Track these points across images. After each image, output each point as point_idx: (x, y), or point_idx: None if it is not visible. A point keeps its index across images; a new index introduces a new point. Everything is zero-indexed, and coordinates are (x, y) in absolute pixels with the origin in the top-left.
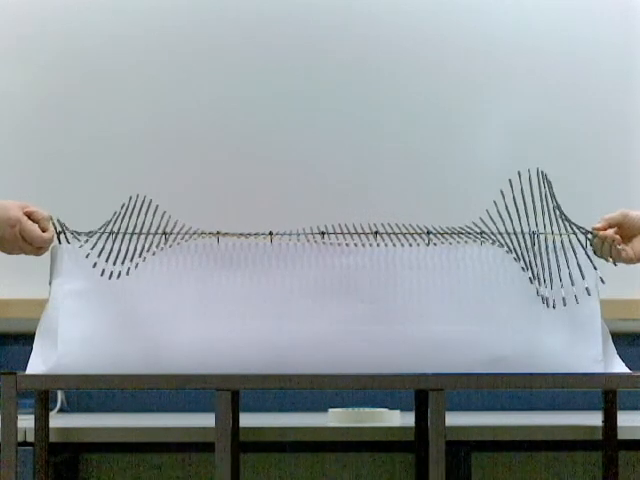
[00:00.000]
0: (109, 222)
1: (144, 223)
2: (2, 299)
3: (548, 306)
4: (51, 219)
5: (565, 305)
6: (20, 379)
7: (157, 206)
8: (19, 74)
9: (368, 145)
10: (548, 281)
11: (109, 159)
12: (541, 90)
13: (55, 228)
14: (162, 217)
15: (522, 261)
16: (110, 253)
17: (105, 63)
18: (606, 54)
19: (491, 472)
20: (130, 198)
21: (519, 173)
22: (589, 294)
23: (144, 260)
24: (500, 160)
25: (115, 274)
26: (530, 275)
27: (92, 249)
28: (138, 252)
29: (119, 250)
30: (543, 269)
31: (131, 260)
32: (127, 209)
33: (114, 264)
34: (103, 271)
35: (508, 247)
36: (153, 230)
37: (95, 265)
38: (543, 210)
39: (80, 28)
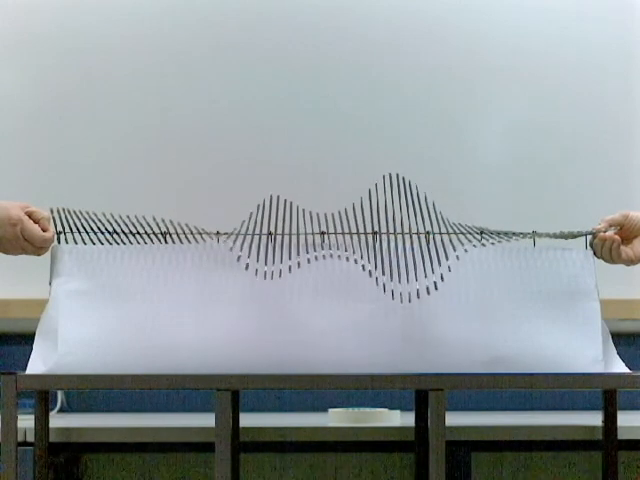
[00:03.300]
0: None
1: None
2: (2, 299)
3: (402, 302)
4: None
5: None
6: (20, 379)
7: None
8: (20, 74)
9: (368, 145)
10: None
11: (110, 160)
12: (541, 91)
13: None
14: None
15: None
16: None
17: (106, 64)
18: (606, 54)
19: (491, 472)
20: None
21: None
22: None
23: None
24: (500, 160)
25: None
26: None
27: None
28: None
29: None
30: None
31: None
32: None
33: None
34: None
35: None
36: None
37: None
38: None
39: (81, 29)
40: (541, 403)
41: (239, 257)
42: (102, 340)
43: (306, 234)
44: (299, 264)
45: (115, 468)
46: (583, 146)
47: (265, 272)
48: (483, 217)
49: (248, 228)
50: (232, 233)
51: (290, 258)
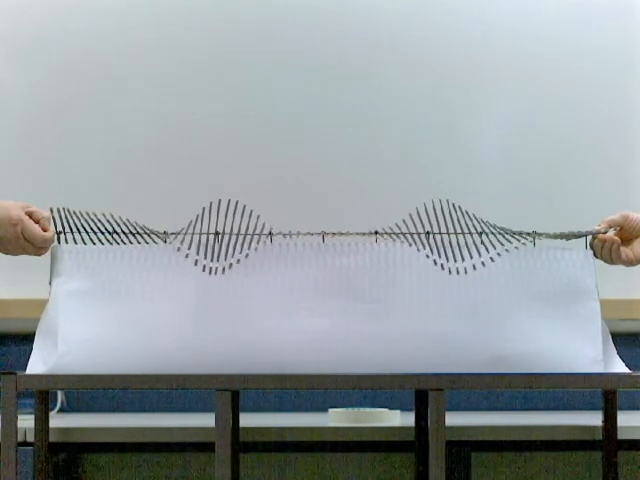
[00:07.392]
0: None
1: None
2: (2, 299)
3: None
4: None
5: None
6: (20, 379)
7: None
8: (21, 75)
9: (368, 145)
10: None
11: (110, 160)
12: (541, 91)
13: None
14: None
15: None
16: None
17: (105, 65)
18: (606, 55)
19: (491, 472)
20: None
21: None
22: None
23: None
24: (500, 161)
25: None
26: None
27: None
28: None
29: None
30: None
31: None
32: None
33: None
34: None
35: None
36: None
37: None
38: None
39: (83, 30)
40: (541, 403)
41: (238, 259)
42: (102, 340)
43: (306, 234)
44: (299, 265)
45: (115, 468)
46: (583, 146)
47: (265, 271)
48: (483, 217)
49: (241, 228)
50: (230, 233)
51: (289, 258)
